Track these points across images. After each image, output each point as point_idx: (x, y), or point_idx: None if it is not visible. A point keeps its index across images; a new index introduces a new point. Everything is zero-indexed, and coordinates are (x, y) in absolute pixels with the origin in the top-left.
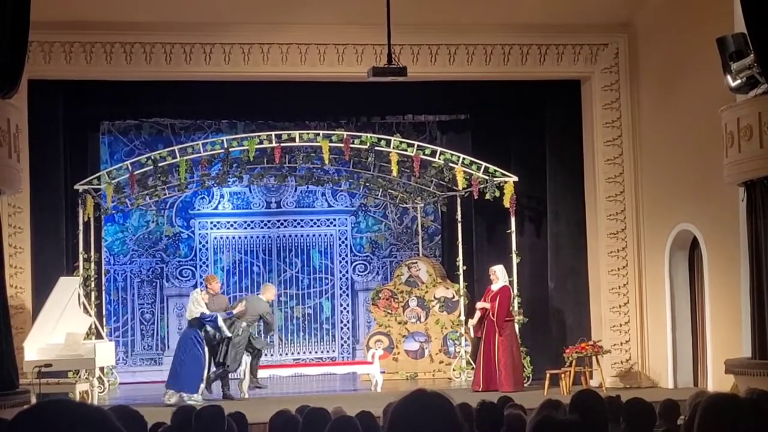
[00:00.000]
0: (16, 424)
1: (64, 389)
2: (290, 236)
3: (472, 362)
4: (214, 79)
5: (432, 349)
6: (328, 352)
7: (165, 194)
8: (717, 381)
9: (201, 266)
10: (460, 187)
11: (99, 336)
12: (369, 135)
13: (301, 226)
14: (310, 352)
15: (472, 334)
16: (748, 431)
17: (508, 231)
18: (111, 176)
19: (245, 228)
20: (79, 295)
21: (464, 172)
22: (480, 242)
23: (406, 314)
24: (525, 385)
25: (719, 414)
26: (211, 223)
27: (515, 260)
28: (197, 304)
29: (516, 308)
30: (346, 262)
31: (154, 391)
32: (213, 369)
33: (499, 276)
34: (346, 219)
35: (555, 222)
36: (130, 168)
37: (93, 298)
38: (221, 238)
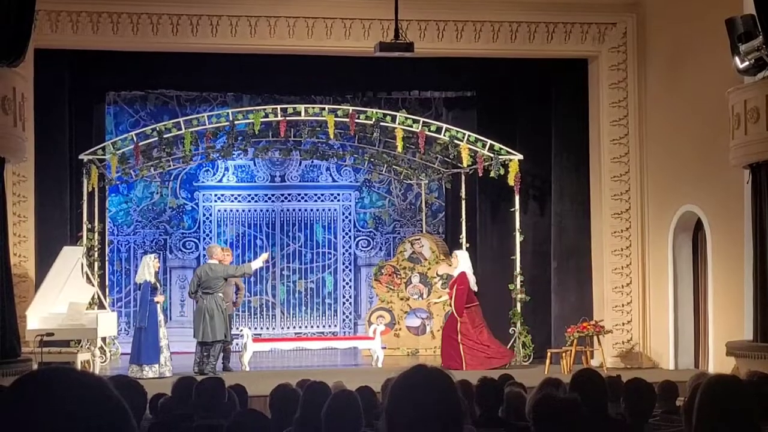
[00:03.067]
0: (14, 390)
1: (65, 358)
2: (294, 210)
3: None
4: (220, 52)
5: (433, 326)
6: (329, 326)
7: (169, 166)
8: (718, 363)
9: (204, 238)
10: (465, 165)
11: (101, 306)
12: (374, 110)
13: (305, 201)
14: (312, 327)
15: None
16: (748, 413)
17: (512, 209)
18: (116, 147)
19: (249, 201)
20: (82, 264)
21: (469, 149)
22: (483, 220)
23: (409, 290)
24: (512, 361)
25: (719, 396)
26: (215, 195)
27: (518, 238)
28: (148, 270)
29: (518, 287)
30: (350, 237)
31: None
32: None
33: (459, 261)
34: (350, 194)
35: (559, 201)
36: (135, 139)
37: (96, 268)
38: (225, 210)
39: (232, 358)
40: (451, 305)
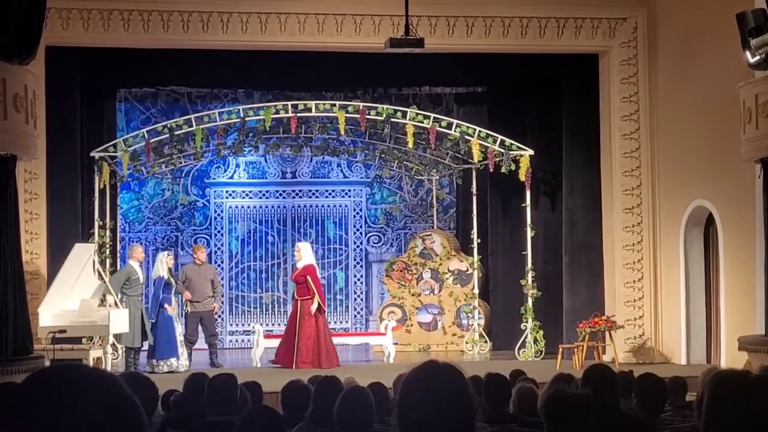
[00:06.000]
0: (27, 387)
1: (77, 355)
2: (305, 206)
3: (485, 335)
4: (231, 48)
5: (445, 322)
6: (341, 322)
7: (181, 163)
8: (730, 358)
9: (215, 235)
10: (476, 160)
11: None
12: (385, 106)
13: (316, 197)
14: None
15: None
16: (759, 409)
17: (523, 204)
18: (127, 144)
19: (260, 198)
20: (94, 261)
21: (480, 144)
22: (495, 215)
23: (420, 286)
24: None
25: (729, 391)
26: (227, 192)
27: (530, 234)
28: (162, 266)
29: (530, 282)
30: (361, 233)
31: None
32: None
33: (303, 254)
34: (361, 190)
35: (570, 196)
36: (146, 136)
37: (108, 265)
38: (236, 207)
39: (245, 354)
40: (311, 298)
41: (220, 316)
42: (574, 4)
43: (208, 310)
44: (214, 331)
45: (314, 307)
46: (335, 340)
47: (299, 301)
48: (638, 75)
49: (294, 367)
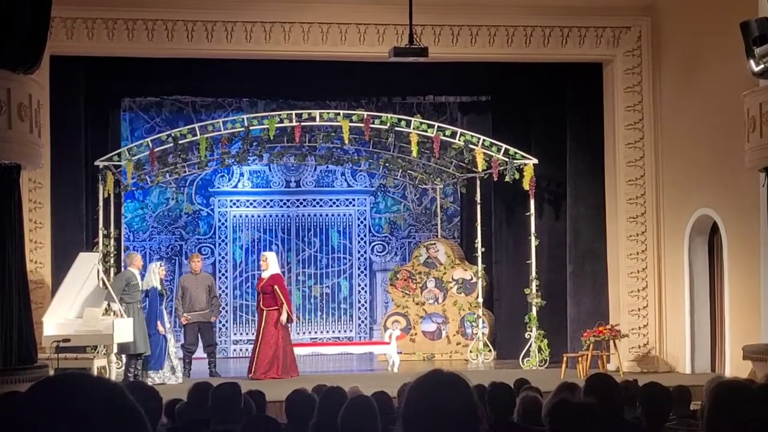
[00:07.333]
0: (31, 396)
1: (82, 364)
2: (309, 215)
3: (489, 344)
4: (235, 57)
5: (449, 331)
6: (345, 331)
7: (185, 172)
8: (735, 367)
9: (220, 244)
10: (480, 169)
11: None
12: (389, 115)
13: (320, 206)
14: (328, 332)
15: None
16: (760, 418)
17: (528, 213)
18: (131, 153)
19: (264, 207)
20: (98, 271)
21: (484, 153)
22: (499, 224)
23: (424, 295)
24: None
25: (730, 400)
26: (231, 201)
27: (534, 243)
28: (154, 276)
29: (534, 291)
30: (365, 242)
31: None
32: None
33: (269, 264)
34: (365, 199)
35: (574, 205)
36: (150, 145)
37: (112, 274)
38: (240, 216)
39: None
40: (280, 308)
41: (223, 325)
42: (578, 14)
43: (205, 320)
44: (212, 341)
45: (284, 317)
46: (338, 349)
47: (265, 311)
48: (642, 84)
49: (250, 376)
